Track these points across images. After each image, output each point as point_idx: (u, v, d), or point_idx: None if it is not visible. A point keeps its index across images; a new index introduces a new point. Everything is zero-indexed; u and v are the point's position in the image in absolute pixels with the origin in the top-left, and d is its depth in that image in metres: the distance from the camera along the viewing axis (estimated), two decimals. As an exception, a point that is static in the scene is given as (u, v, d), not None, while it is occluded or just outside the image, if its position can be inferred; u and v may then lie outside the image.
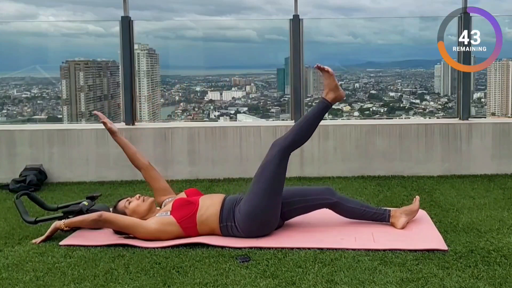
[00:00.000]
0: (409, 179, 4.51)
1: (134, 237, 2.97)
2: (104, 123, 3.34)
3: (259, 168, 3.03)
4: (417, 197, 3.24)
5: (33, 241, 3.02)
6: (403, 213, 3.13)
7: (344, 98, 3.22)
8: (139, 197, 3.14)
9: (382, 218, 3.13)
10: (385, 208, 3.23)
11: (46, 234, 3.04)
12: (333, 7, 6.66)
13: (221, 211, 2.98)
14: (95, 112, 3.51)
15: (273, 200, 2.96)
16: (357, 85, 5.98)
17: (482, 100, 5.72)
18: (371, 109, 5.88)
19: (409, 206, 3.19)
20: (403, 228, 3.07)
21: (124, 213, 3.07)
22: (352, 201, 3.20)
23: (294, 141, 3.03)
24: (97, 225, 3.01)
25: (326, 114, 5.60)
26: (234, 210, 2.97)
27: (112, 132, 3.37)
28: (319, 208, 3.14)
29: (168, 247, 2.84)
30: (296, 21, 4.83)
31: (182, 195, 3.19)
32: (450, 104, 5.66)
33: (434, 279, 2.36)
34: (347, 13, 6.98)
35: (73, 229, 3.13)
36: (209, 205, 3.00)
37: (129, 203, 3.11)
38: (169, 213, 2.97)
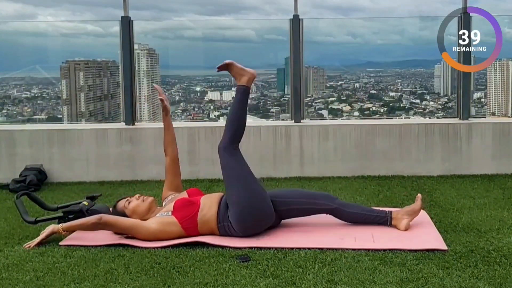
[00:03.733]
0: (409, 179, 4.51)
1: (135, 237, 2.96)
2: (161, 100, 3.31)
3: (223, 177, 3.11)
4: (419, 195, 3.14)
5: (25, 245, 2.91)
6: (405, 214, 3.07)
7: (256, 75, 3.24)
8: (138, 197, 3.13)
9: (384, 222, 3.08)
10: (386, 210, 3.16)
11: (40, 237, 2.93)
12: (332, 7, 6.66)
13: (218, 211, 2.98)
14: (155, 85, 3.51)
15: (252, 190, 2.98)
16: (357, 85, 5.97)
17: (482, 100, 5.73)
18: (371, 109, 5.87)
19: (411, 206, 3.12)
20: (406, 229, 3.02)
21: (123, 213, 3.06)
22: (352, 206, 3.16)
23: (232, 135, 3.13)
24: (97, 228, 2.95)
25: (326, 114, 5.65)
26: (229, 211, 2.97)
27: (166, 111, 3.36)
28: (317, 213, 3.13)
29: (168, 247, 2.84)
30: (296, 21, 4.82)
31: (184, 194, 3.19)
32: (450, 104, 5.66)
33: (434, 279, 2.36)
34: (346, 13, 6.99)
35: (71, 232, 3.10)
36: (209, 206, 3.00)
37: (129, 203, 3.10)
38: (170, 213, 2.97)
